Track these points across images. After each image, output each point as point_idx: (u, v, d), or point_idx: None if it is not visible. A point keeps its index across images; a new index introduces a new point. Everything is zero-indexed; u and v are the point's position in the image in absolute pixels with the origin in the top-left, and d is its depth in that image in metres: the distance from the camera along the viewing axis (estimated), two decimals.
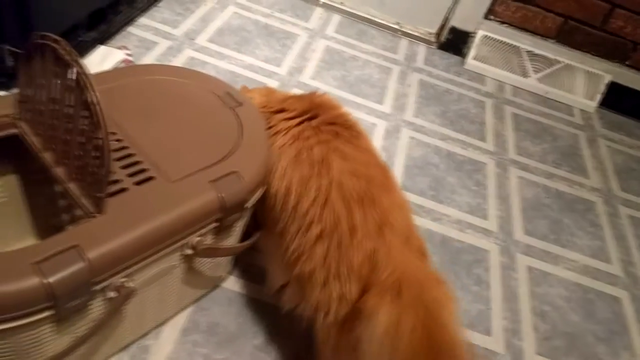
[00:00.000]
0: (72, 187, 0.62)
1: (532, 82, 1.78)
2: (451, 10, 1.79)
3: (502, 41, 1.76)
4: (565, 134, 1.65)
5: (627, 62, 1.74)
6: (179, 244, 0.65)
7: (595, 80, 1.77)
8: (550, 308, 1.08)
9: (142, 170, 0.64)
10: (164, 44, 1.43)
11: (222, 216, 0.67)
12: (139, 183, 0.63)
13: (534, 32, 1.76)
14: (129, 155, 0.65)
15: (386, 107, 1.50)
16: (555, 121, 1.69)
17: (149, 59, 1.36)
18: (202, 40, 1.50)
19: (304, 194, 0.68)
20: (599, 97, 1.78)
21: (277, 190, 0.72)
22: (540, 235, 1.25)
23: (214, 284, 0.89)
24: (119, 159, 0.64)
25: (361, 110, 1.45)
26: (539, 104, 1.75)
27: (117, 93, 0.74)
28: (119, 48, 1.34)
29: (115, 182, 0.62)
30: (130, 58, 1.34)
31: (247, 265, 0.96)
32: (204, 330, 0.84)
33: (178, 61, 1.39)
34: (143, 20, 1.49)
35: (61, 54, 0.57)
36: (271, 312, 0.90)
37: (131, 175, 0.63)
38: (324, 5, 1.86)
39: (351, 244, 0.64)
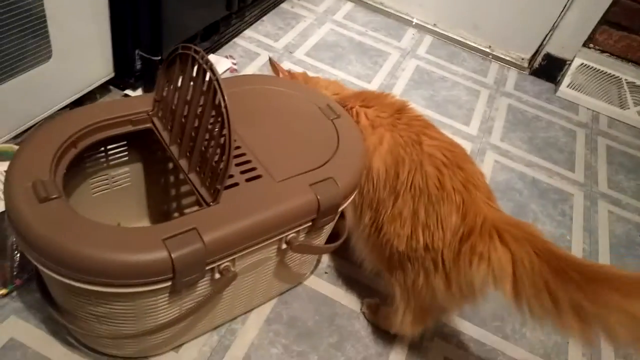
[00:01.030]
0: (193, 177, 0.71)
1: (631, 115, 1.70)
2: (548, 37, 1.76)
3: (601, 70, 1.70)
4: None
5: None
6: (277, 238, 0.72)
7: None
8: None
9: (252, 169, 0.72)
10: (265, 55, 1.55)
11: (316, 217, 0.73)
12: (249, 180, 0.71)
13: (637, 63, 1.68)
14: (242, 155, 0.74)
15: (472, 129, 1.51)
16: None
17: (251, 68, 1.48)
18: (299, 53, 1.60)
19: (401, 168, 0.79)
20: None
21: (378, 169, 0.81)
22: None
23: (299, 280, 0.96)
24: (234, 157, 0.73)
25: (447, 130, 1.47)
26: (637, 138, 1.67)
27: (234, 98, 0.83)
28: (227, 57, 1.47)
29: (230, 177, 0.70)
30: (235, 67, 1.46)
31: (328, 267, 1.02)
32: (285, 322, 0.91)
33: None
34: (248, 32, 1.62)
35: (200, 62, 0.67)
36: (347, 314, 0.94)
37: (243, 172, 0.71)
38: (417, 26, 1.90)
39: (440, 197, 0.74)
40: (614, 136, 1.65)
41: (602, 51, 1.70)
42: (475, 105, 1.61)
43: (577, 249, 1.22)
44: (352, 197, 0.79)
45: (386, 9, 1.92)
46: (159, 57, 1.15)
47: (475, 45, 1.87)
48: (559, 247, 0.68)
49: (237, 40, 1.57)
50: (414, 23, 1.90)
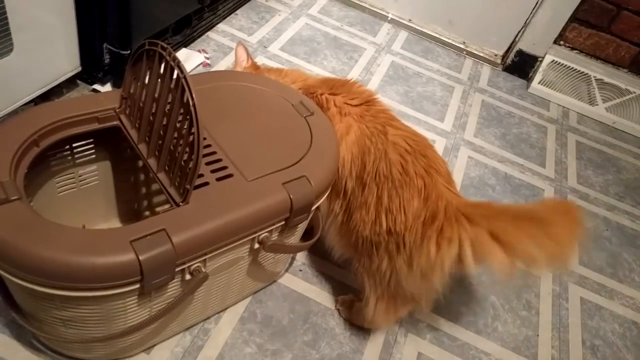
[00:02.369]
0: (162, 177, 0.69)
1: (599, 111, 1.74)
2: (520, 34, 1.79)
3: (571, 67, 1.74)
4: (631, 166, 1.60)
5: None
6: (249, 237, 0.71)
7: None
8: (602, 343, 1.06)
9: (223, 168, 0.71)
10: None
11: (289, 216, 0.73)
12: (220, 179, 0.69)
13: (605, 60, 1.72)
14: (213, 153, 0.72)
15: (447, 125, 1.52)
16: (622, 152, 1.65)
17: (225, 62, 1.46)
18: (274, 48, 1.58)
19: (367, 158, 0.81)
20: None
21: (344, 158, 0.82)
22: (596, 268, 1.23)
23: (272, 279, 0.95)
24: (204, 156, 0.71)
25: (421, 126, 1.48)
26: (605, 134, 1.71)
27: (204, 95, 0.81)
28: (199, 51, 1.44)
29: (200, 176, 0.68)
30: (208, 61, 1.43)
31: (302, 265, 1.01)
32: (260, 321, 0.90)
33: None
34: (222, 26, 1.59)
35: (167, 59, 0.65)
36: (321, 312, 0.94)
37: (213, 171, 0.70)
38: (392, 22, 1.90)
39: (403, 182, 0.76)
40: (583, 132, 1.69)
41: (572, 48, 1.73)
42: (449, 101, 1.62)
43: None
44: (326, 195, 0.79)
45: (361, 4, 1.91)
46: (128, 51, 1.12)
47: (449, 41, 1.88)
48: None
49: (210, 34, 1.54)
50: (389, 18, 1.90)
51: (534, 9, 1.71)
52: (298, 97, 0.87)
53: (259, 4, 1.76)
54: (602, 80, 1.73)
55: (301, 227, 0.81)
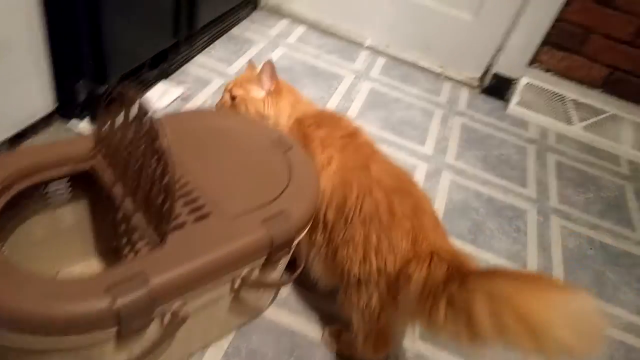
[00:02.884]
0: (138, 218, 0.68)
1: (577, 130, 1.78)
2: (495, 57, 1.83)
3: (546, 89, 1.78)
4: (610, 184, 1.63)
5: None
6: (229, 276, 0.69)
7: None
8: None
9: (201, 207, 0.70)
10: (218, 81, 1.53)
11: (270, 253, 0.72)
12: (198, 219, 0.68)
13: (579, 81, 1.76)
14: (190, 192, 0.71)
15: (428, 149, 1.53)
16: (601, 171, 1.68)
17: (204, 95, 1.46)
18: None
19: (349, 191, 0.81)
20: None
21: (324, 189, 0.83)
22: (583, 289, 1.23)
23: (257, 313, 0.93)
24: (182, 196, 0.70)
25: (403, 151, 1.49)
26: (584, 153, 1.74)
27: (184, 134, 0.81)
28: (178, 84, 1.44)
29: (177, 216, 0.67)
30: (187, 94, 1.43)
31: (286, 298, 0.99)
32: (244, 357, 0.88)
33: None
34: (200, 58, 1.60)
35: (139, 104, 0.64)
36: (307, 344, 0.92)
37: (192, 211, 0.69)
38: (370, 49, 1.93)
39: (392, 223, 0.76)
40: (562, 151, 1.71)
41: (547, 70, 1.78)
42: (429, 125, 1.64)
43: (532, 264, 1.25)
44: (307, 229, 0.78)
45: (339, 32, 1.94)
46: (105, 87, 1.11)
47: (427, 66, 1.91)
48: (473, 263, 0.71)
49: (188, 66, 1.55)
50: (366, 45, 1.93)
51: (506, 33, 1.76)
52: (275, 133, 0.87)
53: (236, 35, 1.78)
54: (577, 100, 1.77)
55: (283, 262, 0.80)
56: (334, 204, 0.82)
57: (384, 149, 0.94)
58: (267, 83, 0.98)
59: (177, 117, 0.86)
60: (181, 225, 0.67)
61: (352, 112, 1.58)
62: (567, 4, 1.62)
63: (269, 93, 0.98)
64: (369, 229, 0.78)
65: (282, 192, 0.76)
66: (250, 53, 1.70)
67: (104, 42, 1.04)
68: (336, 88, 1.67)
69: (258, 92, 0.98)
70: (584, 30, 1.66)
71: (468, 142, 1.62)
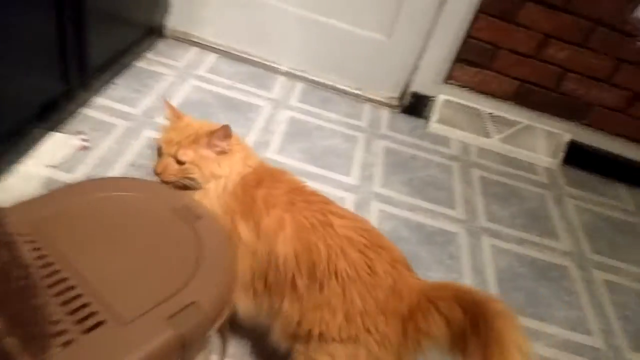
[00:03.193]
0: (11, 342, 0.55)
1: (495, 143, 1.81)
2: (411, 76, 1.82)
3: (463, 104, 1.80)
4: (531, 194, 1.66)
5: (583, 122, 1.80)
6: None
7: (556, 139, 1.81)
8: None
9: (91, 314, 0.58)
10: (122, 125, 1.38)
11: (182, 354, 0.61)
12: (88, 330, 0.56)
13: (492, 95, 1.80)
14: (76, 297, 0.59)
15: (354, 179, 1.48)
16: (521, 181, 1.71)
17: (107, 142, 1.31)
18: (162, 118, 1.46)
19: (317, 255, 0.76)
20: (561, 155, 1.82)
21: (286, 256, 0.77)
22: (518, 310, 1.22)
23: None
24: (65, 303, 0.58)
25: (329, 184, 1.43)
26: (504, 165, 1.77)
27: (64, 217, 0.68)
28: (75, 134, 1.28)
29: (61, 332, 0.55)
30: (86, 144, 1.28)
31: None
32: None
33: (138, 143, 1.34)
34: (99, 100, 1.44)
35: None
36: None
37: (79, 321, 0.57)
38: (286, 74, 1.86)
39: (375, 282, 0.75)
40: (484, 166, 1.74)
41: (462, 86, 1.80)
42: (353, 153, 1.59)
43: None
44: (225, 314, 0.68)
45: (252, 58, 1.85)
46: None
47: (345, 88, 1.87)
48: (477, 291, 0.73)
49: (86, 110, 1.39)
50: (282, 71, 1.86)
51: (420, 52, 1.76)
52: (181, 200, 0.76)
53: (140, 69, 1.64)
54: (493, 113, 1.80)
55: (201, 357, 0.70)
56: (303, 270, 0.77)
57: (310, 183, 0.87)
58: (221, 146, 0.84)
59: (59, 194, 0.72)
60: (67, 343, 0.55)
61: (274, 146, 1.50)
62: (474, 22, 1.65)
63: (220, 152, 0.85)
64: (349, 291, 0.75)
65: (192, 276, 0.66)
66: (158, 89, 1.57)
67: None
68: (254, 120, 1.58)
69: (208, 152, 0.84)
70: (492, 46, 1.69)
71: (393, 166, 1.59)
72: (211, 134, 0.82)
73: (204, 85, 1.67)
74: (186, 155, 0.81)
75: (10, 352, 0.54)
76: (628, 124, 1.78)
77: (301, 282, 0.77)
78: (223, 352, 0.79)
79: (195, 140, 0.83)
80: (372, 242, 0.78)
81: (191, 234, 0.71)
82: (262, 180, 0.84)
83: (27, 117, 1.13)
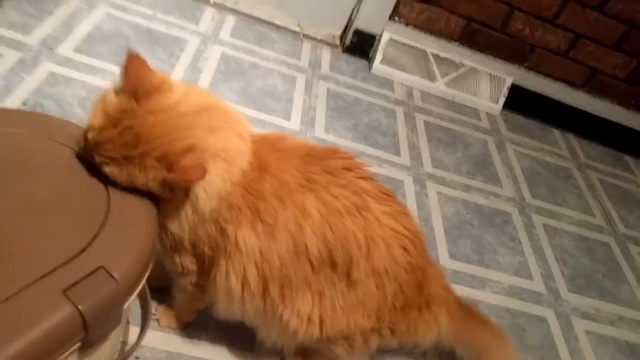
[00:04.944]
0: None
1: (440, 87, 1.74)
2: (355, 11, 1.68)
3: (408, 44, 1.69)
4: (475, 140, 1.62)
5: (525, 65, 1.76)
6: None
7: (498, 83, 1.77)
8: None
9: None
10: (13, 57, 1.14)
11: (85, 335, 0.47)
12: None
13: (438, 35, 1.70)
14: None
15: (295, 124, 1.35)
16: (465, 127, 1.66)
17: None
18: (65, 50, 1.23)
19: (353, 249, 0.65)
20: (502, 99, 1.78)
21: (318, 249, 0.64)
22: (465, 258, 1.19)
23: None
24: None
25: (267, 128, 1.29)
26: (449, 109, 1.71)
27: None
28: None
29: None
30: None
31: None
32: None
33: (34, 78, 1.11)
34: None
35: None
36: None
37: None
38: (216, 5, 1.65)
39: (409, 280, 0.71)
40: (428, 110, 1.66)
41: (407, 24, 1.68)
42: (293, 95, 1.45)
43: None
44: (143, 282, 0.54)
45: None
46: None
47: (283, 24, 1.69)
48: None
49: None
50: (211, 2, 1.64)
51: None
52: (77, 132, 0.59)
53: None
54: (438, 55, 1.71)
55: (114, 334, 0.56)
56: (338, 266, 0.66)
57: None
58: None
59: None
60: None
61: (203, 85, 1.32)
62: None
63: None
64: (385, 289, 0.69)
65: (97, 233, 0.51)
66: (59, 15, 1.31)
67: None
68: (179, 57, 1.38)
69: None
70: None
71: (336, 110, 1.47)
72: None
73: (119, 13, 1.42)
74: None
75: None
76: (568, 68, 1.77)
77: (332, 280, 0.66)
78: (145, 322, 0.65)
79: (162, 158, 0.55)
80: (411, 232, 0.71)
81: (94, 176, 0.56)
82: (267, 165, 0.64)
83: None
